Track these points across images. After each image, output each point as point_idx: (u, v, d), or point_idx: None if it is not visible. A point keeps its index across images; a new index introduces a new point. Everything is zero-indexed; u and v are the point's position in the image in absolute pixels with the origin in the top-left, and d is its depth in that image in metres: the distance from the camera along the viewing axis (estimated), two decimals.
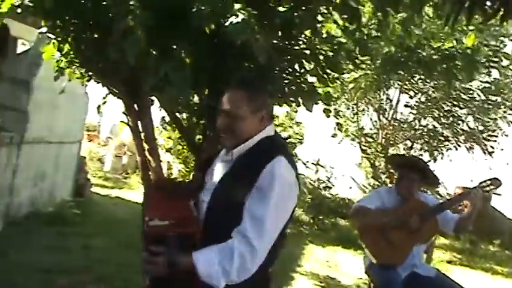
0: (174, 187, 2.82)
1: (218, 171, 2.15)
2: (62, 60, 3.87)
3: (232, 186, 2.04)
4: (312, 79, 4.38)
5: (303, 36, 4.14)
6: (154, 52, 3.31)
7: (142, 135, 4.04)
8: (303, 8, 3.44)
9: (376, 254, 3.73)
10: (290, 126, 9.54)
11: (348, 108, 12.29)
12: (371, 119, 12.66)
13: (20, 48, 8.59)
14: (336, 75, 4.43)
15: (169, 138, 9.32)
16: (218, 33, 3.32)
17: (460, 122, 11.55)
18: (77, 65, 3.88)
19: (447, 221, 3.81)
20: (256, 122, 2.08)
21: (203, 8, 3.08)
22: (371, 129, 12.60)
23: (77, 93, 8.19)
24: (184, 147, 8.31)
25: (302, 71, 4.24)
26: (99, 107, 4.39)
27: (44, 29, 3.72)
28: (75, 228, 6.85)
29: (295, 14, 3.40)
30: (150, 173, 4.03)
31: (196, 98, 4.31)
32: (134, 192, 11.10)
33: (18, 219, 6.64)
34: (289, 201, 2.07)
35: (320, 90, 4.44)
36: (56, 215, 7.20)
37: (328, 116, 4.56)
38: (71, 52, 3.74)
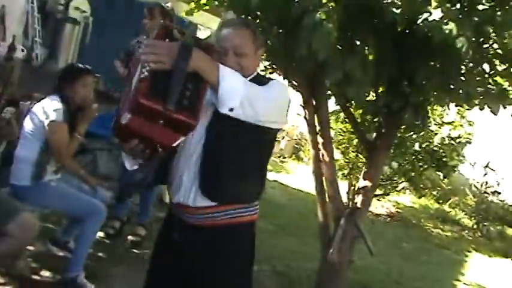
0: None
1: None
2: None
3: None
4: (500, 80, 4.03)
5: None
6: (340, 47, 3.30)
7: (317, 128, 4.08)
8: (506, 6, 3.15)
9: None
10: (461, 125, 8.91)
11: None
12: None
13: (202, 35, 9.23)
14: None
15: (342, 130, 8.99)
16: (409, 29, 3.21)
17: None
18: (262, 57, 4.01)
19: None
20: (257, 60, 2.16)
21: (397, 2, 2.99)
22: None
23: None
24: (345, 137, 8.22)
25: (492, 72, 3.92)
26: None
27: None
28: None
29: (497, 12, 3.12)
30: (322, 166, 4.07)
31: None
32: (291, 176, 11.34)
33: None
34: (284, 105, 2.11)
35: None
36: None
37: None
38: None
